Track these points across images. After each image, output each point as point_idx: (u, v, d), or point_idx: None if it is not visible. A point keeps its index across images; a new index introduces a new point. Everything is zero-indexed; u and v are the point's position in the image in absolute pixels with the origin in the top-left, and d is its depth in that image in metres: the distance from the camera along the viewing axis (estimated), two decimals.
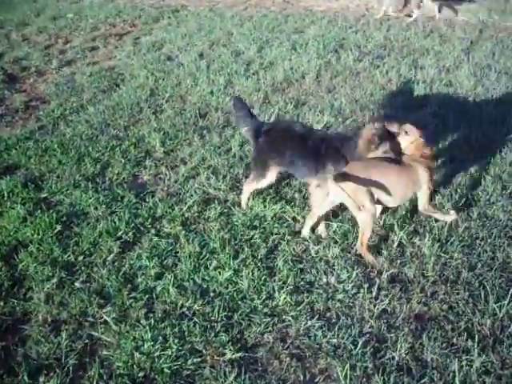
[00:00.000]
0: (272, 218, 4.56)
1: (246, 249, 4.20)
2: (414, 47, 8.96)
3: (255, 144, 4.76)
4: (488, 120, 6.36)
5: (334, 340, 3.47)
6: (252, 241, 4.32)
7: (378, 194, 4.17)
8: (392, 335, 3.53)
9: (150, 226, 4.50)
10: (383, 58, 8.35)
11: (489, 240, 4.41)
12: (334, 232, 4.43)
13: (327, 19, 10.59)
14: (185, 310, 3.69)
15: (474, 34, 9.77)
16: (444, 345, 3.46)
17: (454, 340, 3.52)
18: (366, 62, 8.10)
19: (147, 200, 4.82)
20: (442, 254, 4.21)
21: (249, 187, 4.78)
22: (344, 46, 8.82)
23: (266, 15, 10.99)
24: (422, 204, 4.46)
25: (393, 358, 3.37)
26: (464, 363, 3.34)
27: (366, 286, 3.87)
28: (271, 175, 4.69)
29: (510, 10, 11.10)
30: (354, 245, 4.26)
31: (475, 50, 8.81)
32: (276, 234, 4.40)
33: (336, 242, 4.30)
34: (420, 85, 7.25)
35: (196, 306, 3.70)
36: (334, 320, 3.65)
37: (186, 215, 4.62)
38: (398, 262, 4.15)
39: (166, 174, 5.24)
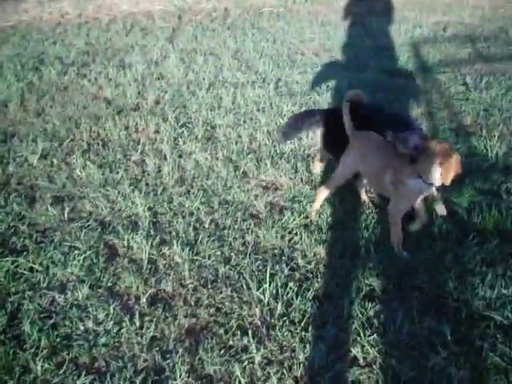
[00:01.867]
0: (5, 277, 3.98)
1: None
2: (118, 46, 8.69)
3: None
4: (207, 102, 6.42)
5: None
6: None
7: None
8: (168, 361, 3.28)
9: None
10: (89, 66, 7.94)
11: (236, 226, 4.39)
12: (80, 266, 4.01)
13: (20, 35, 9.79)
14: None
15: (174, 20, 9.81)
16: (222, 351, 3.32)
17: (231, 342, 3.39)
18: (72, 73, 7.62)
19: None
20: (195, 257, 4.07)
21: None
22: (45, 62, 8.21)
23: None
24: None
25: None
26: (246, 363, 3.24)
27: (127, 318, 3.55)
28: None
29: None
30: (104, 278, 3.91)
31: (178, 37, 8.85)
32: (15, 294, 3.85)
33: (83, 281, 3.89)
34: (132, 84, 7.03)
35: None
36: (103, 369, 3.28)
37: None
38: (153, 280, 3.91)
39: None
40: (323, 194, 4.46)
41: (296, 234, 4.29)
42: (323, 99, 6.43)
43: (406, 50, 8.31)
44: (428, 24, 9.98)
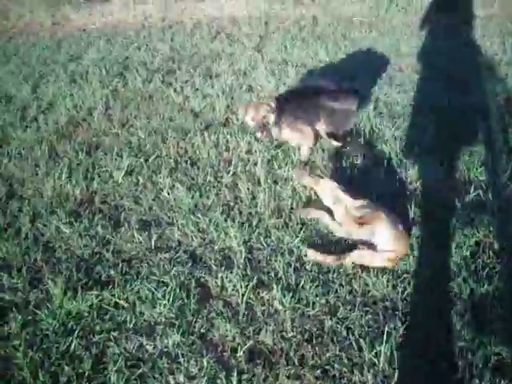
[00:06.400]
0: (89, 313, 3.64)
1: (67, 368, 3.25)
2: (204, 53, 8.37)
3: None
4: None
5: None
6: (70, 353, 3.37)
7: None
8: None
9: None
10: (174, 73, 7.63)
11: (341, 269, 3.91)
12: (169, 307, 3.62)
13: (105, 38, 9.64)
14: None
15: (261, 27, 9.44)
16: None
17: None
18: (157, 80, 7.33)
19: None
20: (297, 305, 3.61)
21: None
22: (129, 67, 7.98)
23: (35, 44, 9.75)
24: None
25: None
26: None
27: (222, 374, 3.15)
28: None
29: None
30: (196, 322, 3.50)
31: (267, 46, 8.46)
32: (99, 334, 3.50)
33: (173, 325, 3.49)
34: (220, 97, 6.64)
35: None
36: None
37: None
38: (251, 329, 3.48)
39: None
40: None
41: (409, 283, 3.77)
42: (429, 121, 5.86)
43: None
44: None
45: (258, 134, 5.24)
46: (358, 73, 7.27)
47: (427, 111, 6.14)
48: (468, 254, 3.98)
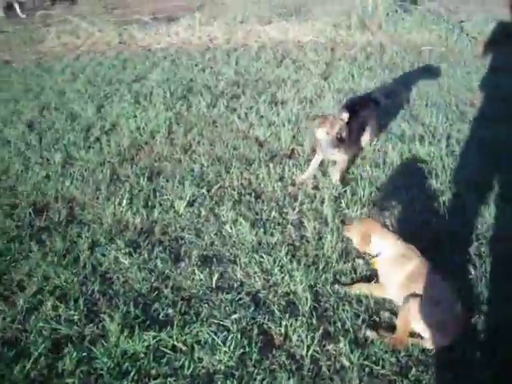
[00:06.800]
0: (146, 354, 3.47)
1: None
2: (269, 79, 8.24)
3: None
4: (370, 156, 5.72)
5: None
6: None
7: None
8: None
9: None
10: (239, 98, 7.51)
11: None
12: (230, 355, 3.42)
13: (170, 59, 9.63)
14: None
15: (327, 54, 9.26)
16: None
17: None
18: (221, 105, 7.21)
19: None
20: (366, 362, 3.36)
21: None
22: (193, 90, 7.90)
23: (102, 63, 9.81)
24: None
25: None
26: None
27: None
28: None
29: (354, 25, 10.74)
30: (257, 375, 3.29)
31: (333, 73, 8.25)
32: (155, 379, 3.32)
33: (233, 376, 3.28)
34: (286, 126, 6.46)
35: None
36: None
37: (32, 375, 3.38)
38: None
39: None
40: None
41: (490, 343, 3.47)
42: (505, 162, 5.53)
43: None
44: None
45: (335, 150, 5.15)
46: (429, 107, 6.98)
47: (502, 150, 5.80)
48: None
